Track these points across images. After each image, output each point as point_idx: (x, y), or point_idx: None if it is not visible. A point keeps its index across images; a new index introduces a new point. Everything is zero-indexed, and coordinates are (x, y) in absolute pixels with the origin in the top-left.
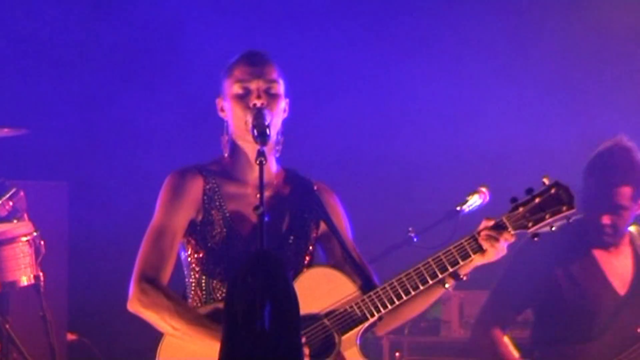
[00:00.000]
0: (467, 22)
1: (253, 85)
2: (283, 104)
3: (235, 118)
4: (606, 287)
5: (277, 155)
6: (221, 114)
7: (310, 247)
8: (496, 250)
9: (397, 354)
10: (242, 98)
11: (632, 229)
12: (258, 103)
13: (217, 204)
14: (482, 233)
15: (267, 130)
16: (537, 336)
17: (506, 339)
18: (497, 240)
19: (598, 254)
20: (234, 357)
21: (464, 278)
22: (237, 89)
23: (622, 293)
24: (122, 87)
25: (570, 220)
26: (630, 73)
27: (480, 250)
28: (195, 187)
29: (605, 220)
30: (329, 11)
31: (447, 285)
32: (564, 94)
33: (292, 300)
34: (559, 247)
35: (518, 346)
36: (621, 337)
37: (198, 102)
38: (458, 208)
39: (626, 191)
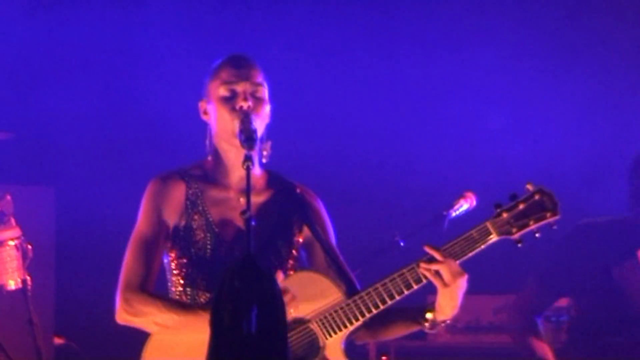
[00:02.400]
0: (453, 24)
1: (239, 88)
2: (267, 109)
3: (221, 121)
4: None
5: (265, 160)
6: (204, 117)
7: (294, 252)
8: (440, 280)
9: (383, 358)
10: (228, 100)
11: None
12: (245, 106)
13: (200, 209)
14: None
15: (254, 135)
16: (577, 327)
17: (541, 327)
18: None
19: None
20: None
21: (444, 323)
22: (223, 91)
23: None
24: (108, 92)
25: (618, 218)
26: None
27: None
28: (178, 193)
29: None
30: (314, 11)
31: (426, 324)
32: (554, 98)
33: (278, 303)
34: (609, 240)
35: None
36: None
37: (185, 105)
38: (445, 212)
39: None
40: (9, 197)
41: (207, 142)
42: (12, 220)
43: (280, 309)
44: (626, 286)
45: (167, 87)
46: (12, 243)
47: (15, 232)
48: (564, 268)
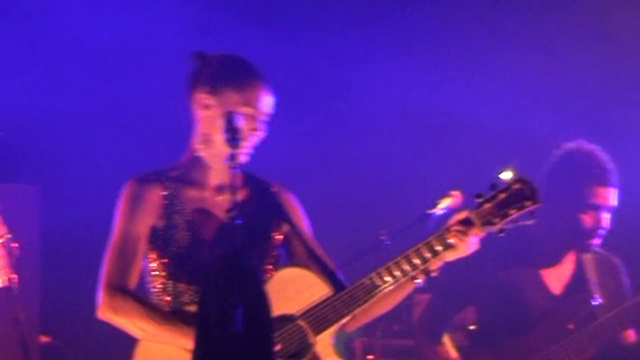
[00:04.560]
0: (441, 22)
1: (259, 114)
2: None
3: (222, 130)
4: (542, 289)
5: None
6: (202, 110)
7: (273, 250)
8: (466, 246)
9: (369, 356)
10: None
11: None
12: (258, 133)
13: (178, 208)
14: (452, 229)
15: (239, 135)
16: (478, 335)
17: (446, 339)
18: (466, 235)
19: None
20: (207, 359)
21: (435, 274)
22: (244, 109)
23: (557, 293)
24: (94, 88)
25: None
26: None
27: (449, 246)
28: (155, 194)
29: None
30: (296, 10)
31: (417, 281)
32: (536, 95)
33: (263, 301)
34: (499, 248)
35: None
36: (554, 332)
37: (171, 104)
38: (429, 211)
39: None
40: None
41: (195, 138)
42: None
43: (265, 306)
44: (517, 293)
45: (156, 86)
46: None
47: (1, 230)
48: (456, 281)
